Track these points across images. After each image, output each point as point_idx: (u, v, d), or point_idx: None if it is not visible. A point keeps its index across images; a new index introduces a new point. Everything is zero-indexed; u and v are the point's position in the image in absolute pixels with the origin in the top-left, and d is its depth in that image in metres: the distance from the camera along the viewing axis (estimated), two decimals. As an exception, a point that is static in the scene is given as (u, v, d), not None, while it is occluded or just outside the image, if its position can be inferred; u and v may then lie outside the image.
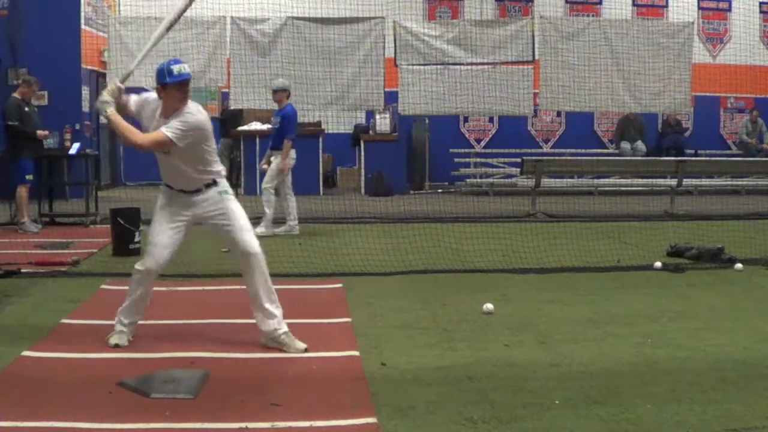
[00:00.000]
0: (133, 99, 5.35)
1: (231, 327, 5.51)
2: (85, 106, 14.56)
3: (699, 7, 17.64)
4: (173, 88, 4.99)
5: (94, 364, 4.74)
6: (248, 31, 13.58)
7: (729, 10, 17.93)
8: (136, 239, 8.56)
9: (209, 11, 13.51)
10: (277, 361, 4.82)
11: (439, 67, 13.96)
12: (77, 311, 5.95)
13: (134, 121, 5.31)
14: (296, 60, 13.50)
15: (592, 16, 16.79)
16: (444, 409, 3.99)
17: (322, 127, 15.44)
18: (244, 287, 5.14)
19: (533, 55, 13.84)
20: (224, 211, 5.11)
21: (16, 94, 10.64)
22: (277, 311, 5.05)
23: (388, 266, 7.80)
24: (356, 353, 4.92)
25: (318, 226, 10.78)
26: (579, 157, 15.75)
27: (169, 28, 5.36)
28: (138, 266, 5.12)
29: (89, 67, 14.69)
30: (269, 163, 10.18)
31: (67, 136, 12.56)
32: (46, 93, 12.92)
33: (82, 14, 14.28)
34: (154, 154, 5.24)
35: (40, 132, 10.60)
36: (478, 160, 16.80)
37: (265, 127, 15.54)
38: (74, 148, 11.39)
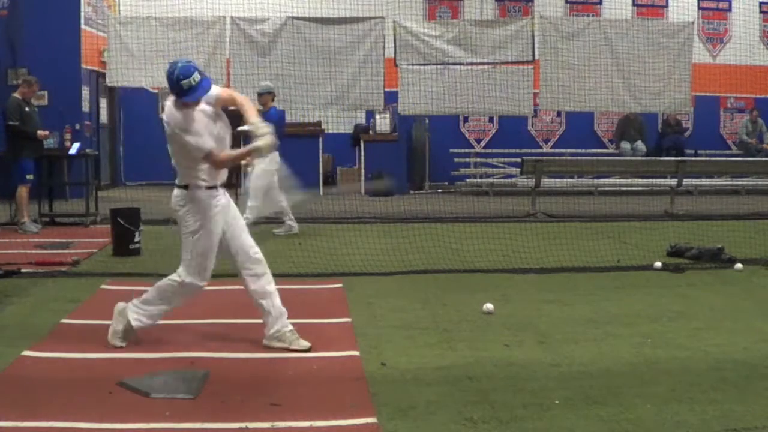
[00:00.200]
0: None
1: (231, 327, 5.51)
2: (85, 106, 14.57)
3: (699, 7, 17.64)
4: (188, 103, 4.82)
5: (94, 364, 4.74)
6: (248, 31, 13.59)
7: (729, 10, 17.92)
8: (136, 239, 8.56)
9: (209, 11, 13.53)
10: (277, 361, 4.82)
11: (439, 67, 13.97)
12: (77, 311, 5.95)
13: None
14: (296, 60, 13.52)
15: (592, 16, 16.78)
16: (444, 409, 3.99)
17: (322, 127, 15.44)
18: (244, 287, 5.14)
19: (533, 55, 13.85)
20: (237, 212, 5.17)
21: (16, 94, 10.64)
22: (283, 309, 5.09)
23: (388, 266, 7.80)
24: (356, 353, 4.92)
25: (318, 226, 10.78)
26: (579, 157, 15.74)
27: None
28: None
29: (89, 67, 14.69)
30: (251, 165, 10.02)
31: (67, 136, 12.55)
32: (46, 93, 12.91)
33: (82, 14, 14.28)
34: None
35: (40, 132, 10.60)
36: (478, 160, 16.80)
37: (265, 126, 15.55)
38: (74, 148, 11.39)
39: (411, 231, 9.71)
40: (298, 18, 13.76)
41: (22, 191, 10.26)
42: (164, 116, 4.88)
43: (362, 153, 15.84)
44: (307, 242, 9.08)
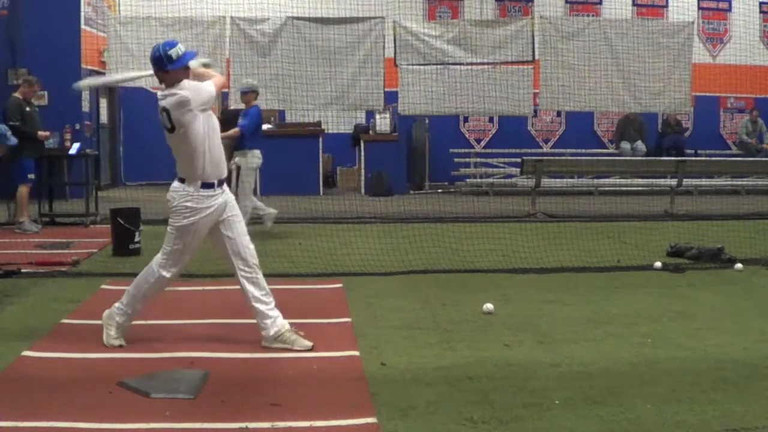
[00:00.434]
0: None
1: (231, 327, 5.51)
2: (85, 106, 14.57)
3: (699, 7, 17.63)
4: (177, 71, 4.96)
5: (94, 364, 4.74)
6: (248, 31, 13.59)
7: (729, 10, 17.92)
8: (136, 239, 8.56)
9: (209, 11, 13.52)
10: (277, 361, 4.82)
11: (439, 67, 13.96)
12: (77, 311, 5.96)
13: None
14: (296, 60, 13.51)
15: (592, 16, 16.78)
16: (444, 409, 3.99)
17: (322, 127, 15.45)
18: (241, 288, 5.15)
19: (533, 55, 13.84)
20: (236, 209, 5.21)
21: (17, 94, 10.65)
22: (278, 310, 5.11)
23: (388, 266, 7.81)
24: (356, 353, 4.92)
25: (318, 226, 10.78)
26: (579, 157, 15.74)
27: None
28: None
29: (89, 67, 14.68)
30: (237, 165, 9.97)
31: (67, 136, 12.56)
32: (46, 93, 12.91)
33: (82, 14, 14.28)
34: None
35: (41, 133, 10.61)
36: (478, 160, 16.80)
37: (266, 127, 15.54)
38: (74, 148, 11.39)
39: (411, 231, 9.71)
40: (298, 18, 13.75)
41: (23, 191, 10.26)
42: (177, 95, 4.89)
43: (362, 153, 15.85)
44: (307, 242, 9.08)
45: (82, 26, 14.29)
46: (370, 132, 15.97)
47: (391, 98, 14.30)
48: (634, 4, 17.54)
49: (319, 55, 13.57)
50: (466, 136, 17.58)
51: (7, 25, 13.73)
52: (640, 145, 16.89)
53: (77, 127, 13.65)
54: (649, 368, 4.70)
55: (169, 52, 4.91)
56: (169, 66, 4.91)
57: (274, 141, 15.08)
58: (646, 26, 14.54)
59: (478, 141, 17.60)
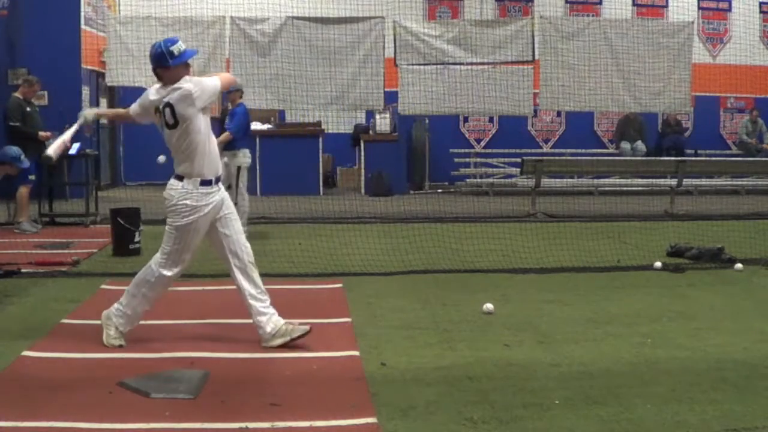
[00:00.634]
0: (133, 110, 5.29)
1: (231, 327, 5.51)
2: (86, 107, 14.55)
3: (699, 7, 17.63)
4: (179, 67, 4.97)
5: (94, 364, 4.74)
6: (248, 30, 13.57)
7: (729, 10, 17.92)
8: (136, 239, 8.56)
9: (208, 11, 13.51)
10: (277, 361, 4.82)
11: (439, 67, 13.95)
12: (77, 311, 5.96)
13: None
14: (296, 60, 13.49)
15: (592, 16, 16.78)
16: (444, 409, 3.99)
17: (322, 127, 15.45)
18: (237, 287, 5.15)
19: (533, 55, 13.83)
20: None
21: (17, 94, 10.64)
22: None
23: (388, 266, 7.80)
24: (356, 353, 4.92)
25: (318, 226, 10.78)
26: (579, 157, 15.74)
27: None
28: None
29: (89, 67, 14.68)
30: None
31: (67, 136, 12.53)
32: (46, 93, 12.90)
33: (82, 14, 14.27)
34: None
35: (42, 133, 10.61)
36: (478, 160, 16.80)
37: (265, 127, 15.57)
38: (74, 148, 11.35)
39: (411, 231, 9.71)
40: (298, 18, 13.74)
41: (23, 191, 10.26)
42: (182, 89, 4.89)
43: (362, 153, 15.85)
44: (307, 242, 9.08)
45: (82, 26, 14.28)
46: (370, 132, 15.97)
47: (391, 98, 14.29)
48: (634, 4, 17.54)
49: (319, 55, 13.56)
50: (466, 136, 17.58)
51: (7, 25, 13.73)
52: (640, 145, 16.88)
53: (77, 127, 13.63)
54: (649, 368, 4.70)
55: (171, 48, 4.92)
56: (171, 62, 4.92)
57: (274, 141, 15.15)
58: (646, 26, 14.52)
59: (478, 141, 17.60)
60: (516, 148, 16.04)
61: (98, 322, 5.21)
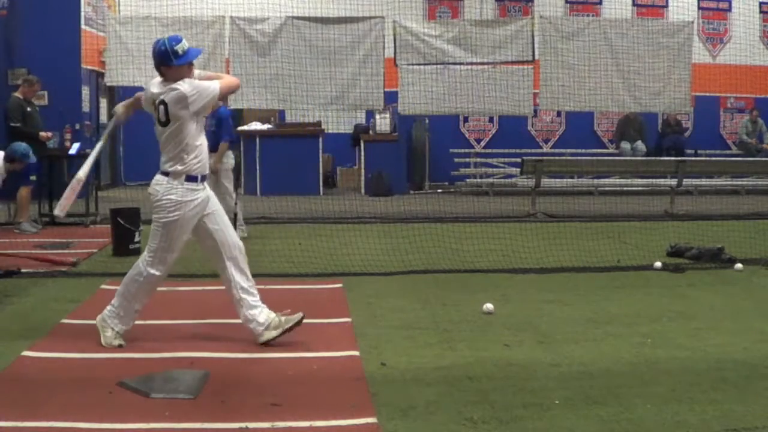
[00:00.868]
0: (142, 98, 5.32)
1: (231, 327, 5.49)
2: (85, 107, 14.56)
3: (699, 7, 17.64)
4: (183, 67, 4.96)
5: (94, 364, 4.74)
6: (247, 30, 13.57)
7: (729, 10, 17.92)
8: (136, 239, 8.56)
9: (208, 11, 13.52)
10: (277, 361, 4.82)
11: (439, 66, 13.95)
12: (77, 311, 5.95)
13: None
14: (296, 60, 13.49)
15: (592, 16, 16.78)
16: (444, 409, 3.99)
17: (322, 127, 15.45)
18: (228, 281, 5.15)
19: (533, 55, 13.83)
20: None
21: (17, 94, 10.64)
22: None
23: (388, 266, 7.80)
24: (356, 353, 4.92)
25: (318, 226, 10.78)
26: (579, 157, 15.75)
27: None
28: None
29: (89, 67, 14.68)
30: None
31: (67, 136, 12.55)
32: (46, 93, 12.90)
33: (82, 14, 14.27)
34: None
35: (43, 134, 10.60)
36: (478, 160, 16.80)
37: (265, 127, 15.57)
38: (74, 148, 11.39)
39: (411, 231, 9.71)
40: (297, 18, 13.74)
41: (23, 192, 10.26)
42: (178, 90, 4.88)
43: (362, 153, 15.85)
44: (307, 242, 9.08)
45: (82, 26, 14.28)
46: (370, 132, 15.97)
47: (391, 98, 14.29)
48: (634, 4, 17.55)
49: (319, 54, 13.56)
50: (466, 136, 17.58)
51: (7, 25, 13.73)
52: (640, 145, 16.89)
53: (77, 127, 13.64)
54: (649, 368, 4.69)
55: (176, 47, 4.90)
56: (175, 61, 4.91)
57: (274, 141, 15.15)
58: (646, 26, 14.52)
59: (478, 141, 17.60)
60: (516, 148, 16.05)
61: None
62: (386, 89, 13.73)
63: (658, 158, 15.78)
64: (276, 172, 14.67)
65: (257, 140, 15.06)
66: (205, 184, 5.15)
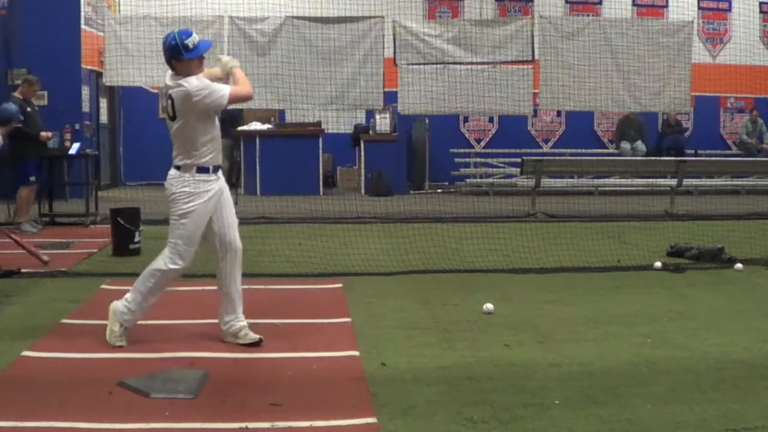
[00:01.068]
0: None
1: (231, 327, 5.50)
2: (85, 106, 14.56)
3: (699, 7, 17.63)
4: (193, 61, 4.97)
5: (94, 364, 4.74)
6: (247, 30, 13.57)
7: (729, 10, 17.92)
8: (136, 239, 8.55)
9: (207, 10, 13.52)
10: (277, 361, 4.82)
11: (438, 66, 13.96)
12: (77, 311, 5.95)
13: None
14: (295, 60, 13.50)
15: (592, 15, 16.78)
16: (444, 409, 3.99)
17: (322, 127, 15.45)
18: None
19: (533, 55, 13.84)
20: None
21: (17, 94, 10.61)
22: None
23: (388, 266, 7.80)
24: (356, 353, 4.92)
25: (318, 226, 10.78)
26: (579, 157, 15.74)
27: None
28: None
29: (89, 67, 14.68)
30: None
31: (67, 136, 12.54)
32: (45, 93, 12.90)
33: (82, 14, 14.27)
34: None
35: (43, 134, 10.59)
36: (478, 160, 16.80)
37: (265, 127, 15.57)
38: (74, 148, 11.38)
39: (411, 231, 9.71)
40: (297, 17, 13.75)
41: (23, 193, 10.24)
42: (184, 88, 4.88)
43: (362, 153, 15.84)
44: (307, 242, 9.08)
45: (82, 26, 14.28)
46: (370, 132, 15.96)
47: (391, 98, 14.30)
48: (634, 4, 17.54)
49: (318, 54, 13.56)
50: (466, 136, 17.58)
51: (6, 25, 13.72)
52: (640, 145, 16.89)
53: (77, 127, 13.64)
54: (649, 368, 4.70)
55: (186, 41, 4.90)
56: (185, 55, 4.92)
57: (274, 141, 15.14)
58: (646, 26, 14.52)
59: (478, 141, 17.60)
60: (516, 148, 16.04)
61: (98, 322, 5.21)
62: (386, 89, 13.74)
63: (658, 158, 15.77)
64: (276, 172, 14.67)
65: (257, 140, 15.06)
66: (219, 174, 5.13)
